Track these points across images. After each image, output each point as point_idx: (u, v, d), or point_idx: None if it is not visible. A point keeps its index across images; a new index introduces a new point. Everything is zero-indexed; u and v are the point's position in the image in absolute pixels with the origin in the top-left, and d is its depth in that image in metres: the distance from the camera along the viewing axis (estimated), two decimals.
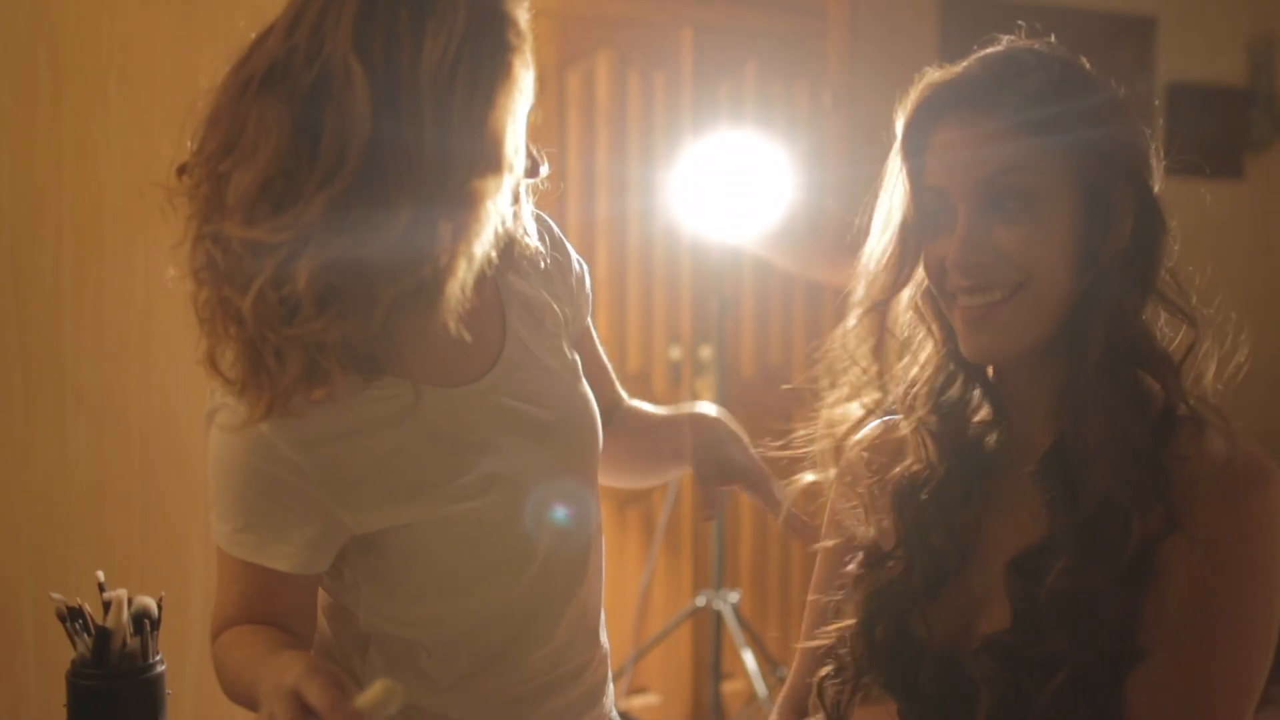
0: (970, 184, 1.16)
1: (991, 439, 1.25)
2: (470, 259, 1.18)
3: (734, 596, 3.47)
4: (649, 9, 3.76)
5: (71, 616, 1.37)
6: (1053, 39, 1.22)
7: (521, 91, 1.20)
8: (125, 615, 1.37)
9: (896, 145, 1.21)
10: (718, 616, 3.46)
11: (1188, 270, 1.26)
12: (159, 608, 1.39)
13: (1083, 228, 1.15)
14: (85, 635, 1.36)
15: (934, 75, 1.20)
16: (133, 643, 1.36)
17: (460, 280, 1.18)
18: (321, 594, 1.35)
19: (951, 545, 1.22)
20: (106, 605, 1.37)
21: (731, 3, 3.87)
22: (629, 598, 3.69)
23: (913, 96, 1.20)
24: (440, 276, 1.16)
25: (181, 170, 1.21)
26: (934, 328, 1.26)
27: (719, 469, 1.50)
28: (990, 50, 1.22)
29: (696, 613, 3.58)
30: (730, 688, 3.78)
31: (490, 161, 1.18)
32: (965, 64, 1.21)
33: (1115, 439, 1.13)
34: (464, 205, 1.16)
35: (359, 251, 1.13)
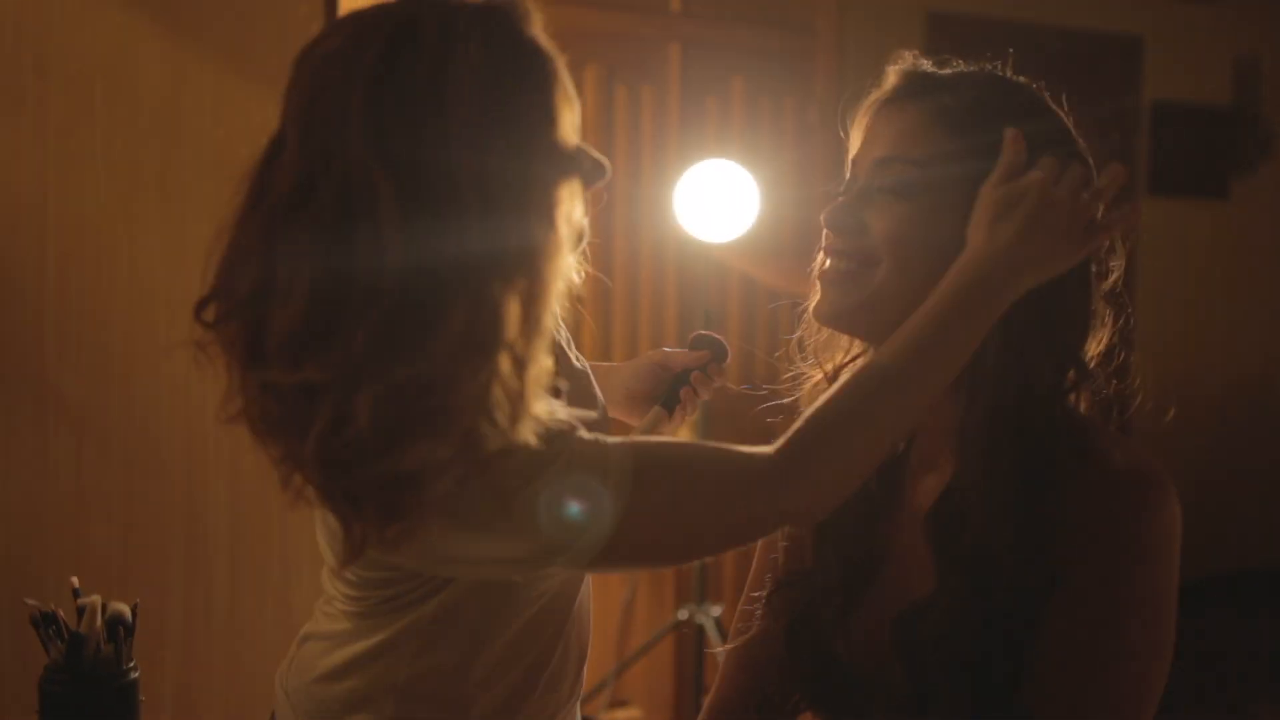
0: (870, 159, 1.21)
1: (908, 463, 1.28)
2: (544, 339, 1.07)
3: (716, 610, 3.47)
4: (637, 24, 3.78)
5: (45, 622, 1.37)
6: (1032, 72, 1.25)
7: (568, 132, 1.10)
8: (99, 621, 1.36)
9: (854, 120, 1.26)
10: (700, 630, 3.46)
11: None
12: (134, 614, 1.39)
13: (963, 236, 1.16)
14: (59, 641, 1.36)
15: (906, 64, 1.25)
16: (106, 649, 1.36)
17: (540, 364, 1.07)
18: (316, 647, 1.28)
19: (866, 557, 1.25)
20: (81, 611, 1.37)
21: (720, 19, 3.88)
22: (612, 611, 3.68)
23: (883, 79, 1.25)
24: (520, 367, 1.05)
25: (201, 307, 1.10)
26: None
27: (662, 364, 1.45)
28: (970, 64, 1.25)
29: (679, 626, 3.58)
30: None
31: (548, 225, 1.07)
32: (939, 65, 1.25)
33: (995, 490, 1.13)
34: (527, 286, 1.05)
35: (419, 369, 1.02)
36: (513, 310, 1.04)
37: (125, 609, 1.38)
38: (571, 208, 1.10)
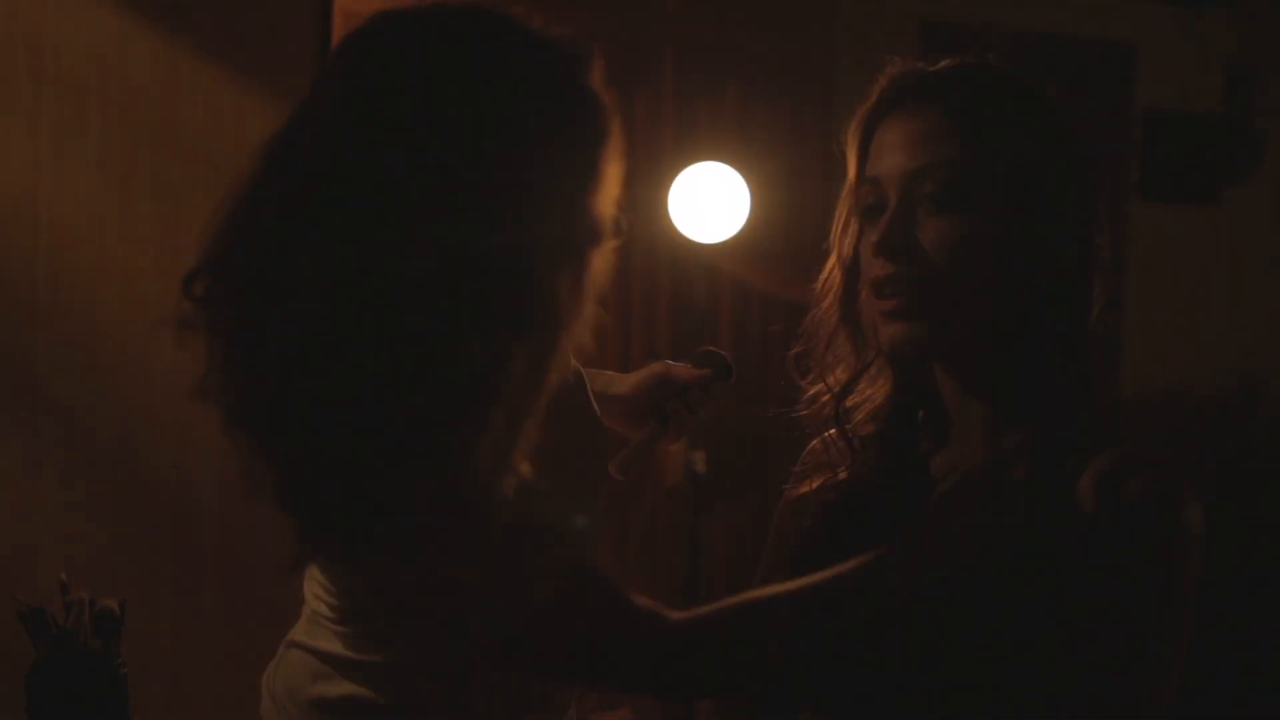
0: (903, 174, 1.17)
1: (935, 461, 1.27)
2: (543, 396, 1.05)
3: None
4: (631, 26, 3.78)
5: (33, 618, 1.37)
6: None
7: (610, 195, 1.07)
8: (86, 617, 1.37)
9: (850, 140, 1.23)
10: None
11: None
12: (122, 610, 1.39)
13: (1012, 237, 1.16)
14: (46, 637, 1.37)
15: (896, 69, 1.23)
16: (94, 645, 1.36)
17: (535, 418, 1.05)
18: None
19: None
20: (69, 608, 1.37)
21: (714, 22, 3.89)
22: None
23: (873, 89, 1.23)
24: (514, 421, 1.03)
25: (192, 279, 1.05)
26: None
27: (665, 377, 1.42)
28: (960, 58, 1.24)
29: None
30: (703, 704, 3.77)
31: (572, 285, 1.05)
32: (931, 65, 1.24)
33: (1015, 488, 1.14)
34: (538, 342, 1.03)
35: (416, 403, 0.99)
36: (520, 363, 1.02)
37: (113, 605, 1.39)
38: (597, 271, 1.07)
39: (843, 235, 1.26)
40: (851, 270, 1.25)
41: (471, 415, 1.00)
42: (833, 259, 1.27)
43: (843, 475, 1.30)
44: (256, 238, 1.02)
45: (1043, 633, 1.12)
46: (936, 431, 1.27)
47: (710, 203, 3.25)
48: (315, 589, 1.25)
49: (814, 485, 1.33)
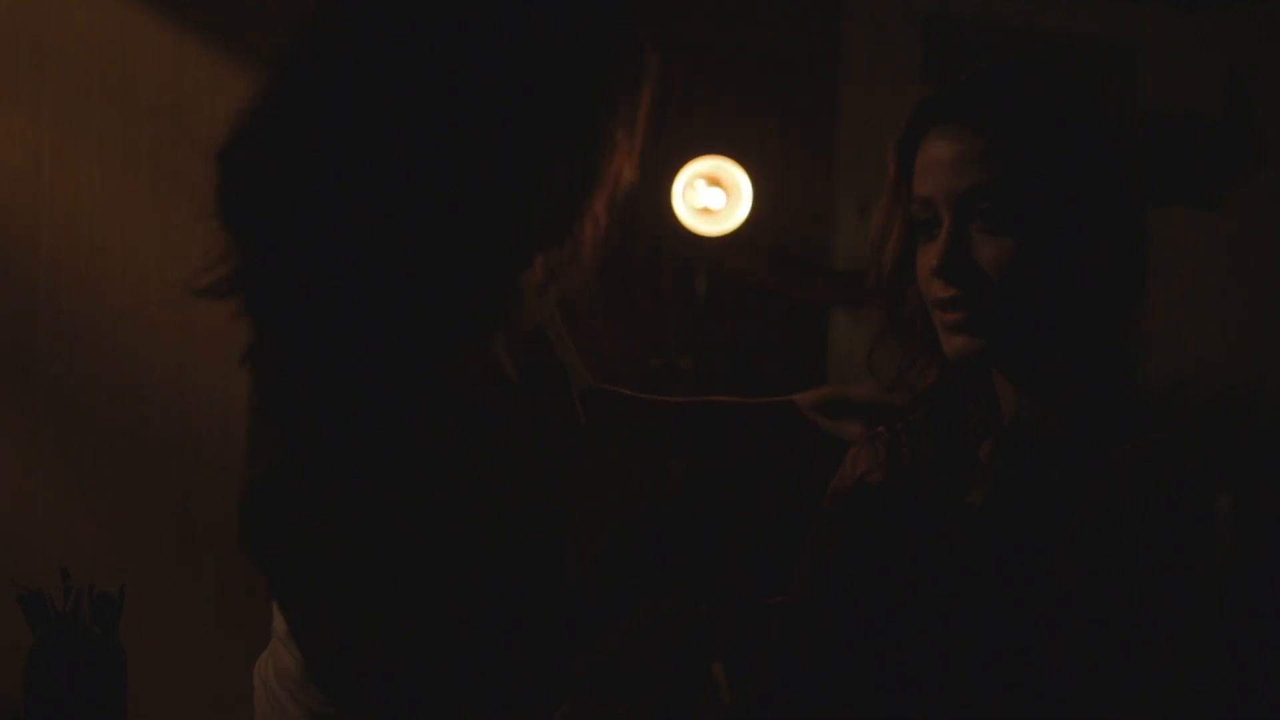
0: (954, 195, 1.19)
1: (983, 448, 1.28)
2: (598, 225, 1.12)
3: None
4: (634, 22, 3.79)
5: (32, 602, 1.38)
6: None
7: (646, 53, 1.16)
8: (86, 603, 1.37)
9: (889, 153, 1.24)
10: None
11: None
12: (121, 597, 1.40)
13: (1065, 244, 1.18)
14: (45, 621, 1.37)
15: (928, 89, 1.24)
16: (93, 630, 1.37)
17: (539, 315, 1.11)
18: None
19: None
20: (69, 592, 1.38)
21: (716, 22, 3.89)
22: None
23: (907, 108, 1.23)
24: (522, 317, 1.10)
25: (230, 151, 1.06)
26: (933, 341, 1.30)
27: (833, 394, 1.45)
28: (985, 66, 1.24)
29: None
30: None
31: (618, 103, 1.13)
32: (959, 79, 1.24)
33: (1072, 464, 1.17)
34: (564, 250, 1.11)
35: (452, 291, 1.05)
36: (573, 204, 1.09)
37: (113, 591, 1.39)
38: (641, 106, 1.17)
39: (882, 242, 1.26)
40: (893, 281, 1.26)
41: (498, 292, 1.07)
42: (874, 274, 1.28)
43: (890, 465, 1.31)
44: (302, 128, 1.05)
45: (1061, 614, 1.13)
46: (988, 418, 1.28)
47: (713, 198, 3.27)
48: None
49: (858, 476, 1.34)
